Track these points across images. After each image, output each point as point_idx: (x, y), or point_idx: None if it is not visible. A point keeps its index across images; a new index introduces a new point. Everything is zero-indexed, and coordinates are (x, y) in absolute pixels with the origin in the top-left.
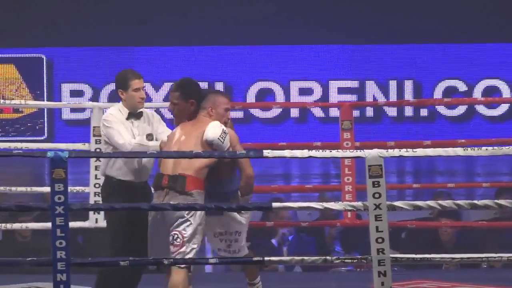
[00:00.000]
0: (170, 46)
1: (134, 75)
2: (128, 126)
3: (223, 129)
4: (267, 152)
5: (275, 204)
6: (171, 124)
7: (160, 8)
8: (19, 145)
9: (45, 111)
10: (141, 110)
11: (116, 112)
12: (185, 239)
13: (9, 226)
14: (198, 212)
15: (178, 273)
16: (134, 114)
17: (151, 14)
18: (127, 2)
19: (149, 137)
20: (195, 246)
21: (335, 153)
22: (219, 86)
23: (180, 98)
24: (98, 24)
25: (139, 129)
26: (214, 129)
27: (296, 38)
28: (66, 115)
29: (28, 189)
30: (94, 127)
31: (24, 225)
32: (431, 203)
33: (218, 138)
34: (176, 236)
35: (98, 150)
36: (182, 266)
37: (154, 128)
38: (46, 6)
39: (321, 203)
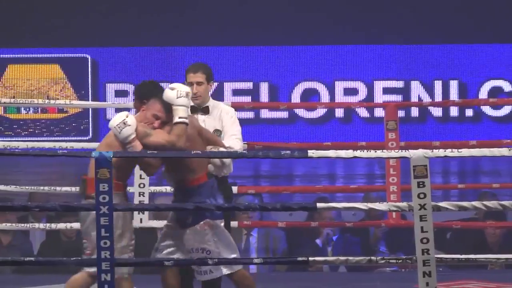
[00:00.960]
0: (216, 46)
1: (189, 69)
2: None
3: (123, 120)
4: (311, 153)
5: (319, 205)
6: None
7: (204, 9)
8: (63, 145)
9: (90, 111)
10: (208, 105)
11: None
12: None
13: (53, 226)
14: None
15: (81, 274)
16: (199, 109)
17: (196, 15)
18: (172, 3)
19: (217, 132)
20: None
21: (380, 153)
22: (264, 86)
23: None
24: (143, 24)
25: (205, 123)
26: (115, 117)
27: (341, 38)
28: (111, 115)
29: (73, 189)
30: None
31: (68, 225)
32: (476, 203)
33: (114, 127)
34: (86, 244)
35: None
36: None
37: (223, 124)
38: (92, 7)
39: (365, 204)
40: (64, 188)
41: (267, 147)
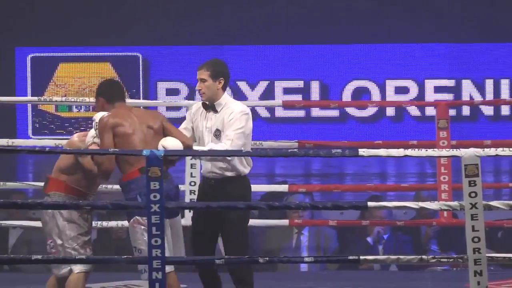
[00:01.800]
0: (266, 45)
1: (199, 66)
2: (199, 116)
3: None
4: (362, 151)
5: (370, 204)
6: None
7: (255, 7)
8: None
9: None
10: (217, 103)
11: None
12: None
13: (105, 224)
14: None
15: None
16: (209, 106)
17: (247, 14)
18: (223, 1)
19: (217, 132)
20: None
21: (431, 152)
22: (315, 84)
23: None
24: (194, 22)
25: (212, 122)
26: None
27: (392, 37)
28: (162, 113)
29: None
30: None
31: (120, 223)
32: None
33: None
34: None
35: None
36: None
37: (223, 124)
38: (143, 6)
39: (417, 203)
40: (116, 186)
41: (318, 146)
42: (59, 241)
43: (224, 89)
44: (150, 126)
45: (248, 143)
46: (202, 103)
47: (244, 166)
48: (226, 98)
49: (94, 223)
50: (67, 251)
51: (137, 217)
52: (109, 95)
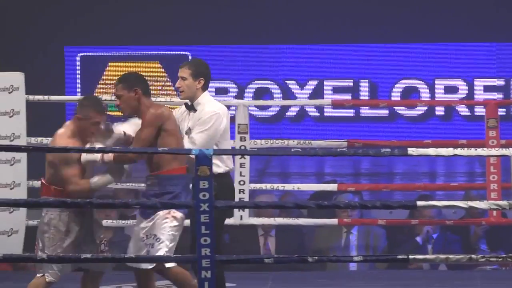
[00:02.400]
0: (316, 44)
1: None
2: (180, 118)
3: None
4: (411, 150)
5: (419, 203)
6: None
7: (303, 7)
8: None
9: None
10: (195, 102)
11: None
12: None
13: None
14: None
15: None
16: (190, 106)
17: (295, 12)
18: (272, 1)
19: (188, 131)
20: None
21: (480, 151)
22: (364, 84)
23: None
24: (242, 22)
25: (189, 122)
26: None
27: (441, 36)
28: None
29: None
30: (239, 124)
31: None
32: None
33: None
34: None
35: (243, 147)
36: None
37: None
38: (191, 5)
39: (466, 202)
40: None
41: (367, 145)
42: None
43: (203, 89)
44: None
45: (219, 142)
46: (185, 103)
47: (217, 166)
48: (205, 98)
49: (123, 222)
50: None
51: (174, 210)
52: (145, 87)
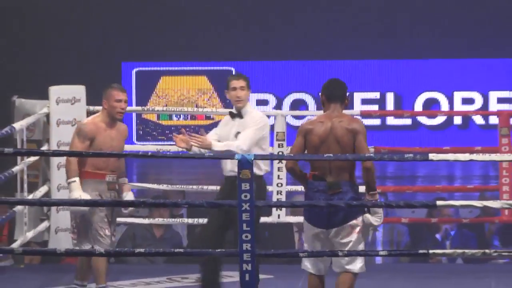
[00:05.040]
0: (346, 60)
1: (231, 77)
2: (225, 125)
3: None
4: (432, 156)
5: (439, 202)
6: None
7: (337, 24)
8: None
9: None
10: (244, 110)
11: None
12: None
13: (201, 220)
14: None
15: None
16: (236, 114)
17: (328, 30)
18: (307, 19)
19: (237, 135)
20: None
21: (493, 157)
22: (390, 96)
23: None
24: (280, 40)
25: (236, 127)
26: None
27: (459, 52)
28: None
29: (218, 188)
30: (277, 132)
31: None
32: None
33: None
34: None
35: (280, 153)
36: None
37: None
38: (235, 24)
39: (480, 202)
40: (211, 187)
41: (392, 151)
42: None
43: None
44: (339, 137)
45: (263, 147)
46: (230, 112)
47: (259, 169)
48: (250, 106)
49: (190, 220)
50: None
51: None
52: (328, 94)
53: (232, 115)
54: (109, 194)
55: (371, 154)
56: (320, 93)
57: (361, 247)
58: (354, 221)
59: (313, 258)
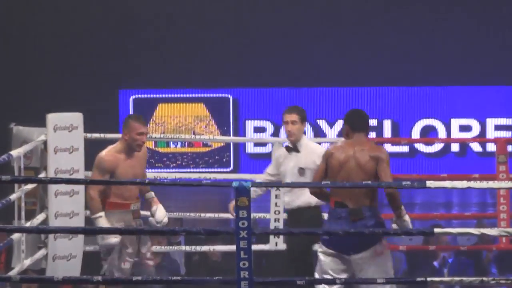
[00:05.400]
0: (345, 87)
1: (285, 110)
2: (283, 160)
3: None
4: (429, 183)
5: (437, 230)
6: None
7: (333, 51)
8: (208, 175)
9: (231, 145)
10: (299, 143)
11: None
12: None
13: (198, 248)
14: None
15: None
16: (292, 148)
17: (326, 58)
18: (305, 47)
19: (301, 170)
20: None
21: (491, 184)
22: (387, 123)
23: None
24: (277, 67)
25: (294, 161)
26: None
27: (456, 80)
28: (250, 149)
29: (216, 215)
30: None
31: (211, 248)
32: None
33: None
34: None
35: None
36: None
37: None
38: (231, 51)
39: (478, 229)
40: (208, 215)
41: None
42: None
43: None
44: (361, 164)
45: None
46: (286, 147)
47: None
48: (305, 139)
49: (188, 248)
50: None
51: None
52: (353, 124)
53: (289, 149)
54: (135, 223)
55: (369, 182)
56: (343, 123)
57: (386, 270)
58: (376, 246)
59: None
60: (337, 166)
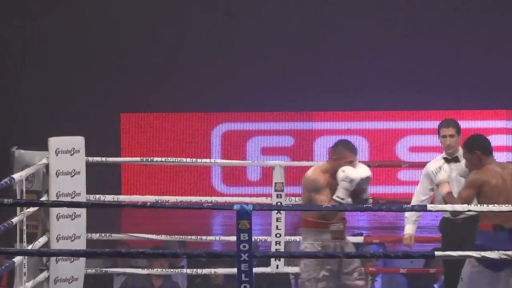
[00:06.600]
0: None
1: (442, 124)
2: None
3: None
4: (430, 207)
5: (437, 253)
6: None
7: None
8: (209, 199)
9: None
10: (457, 155)
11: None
12: None
13: (199, 271)
14: None
15: None
16: (451, 159)
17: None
18: (304, 71)
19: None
20: None
21: (491, 207)
22: None
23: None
24: (273, 90)
25: (456, 171)
26: None
27: (454, 105)
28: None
29: (217, 238)
30: (275, 183)
31: (213, 271)
32: None
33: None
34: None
35: (279, 203)
36: None
37: None
38: (232, 76)
39: (478, 252)
40: (209, 238)
41: (390, 201)
42: None
43: None
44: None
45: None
46: (444, 158)
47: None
48: (461, 149)
49: (189, 271)
50: None
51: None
52: (485, 148)
53: (448, 161)
54: (333, 244)
55: (370, 205)
56: (473, 151)
57: None
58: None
59: None
60: (495, 192)
